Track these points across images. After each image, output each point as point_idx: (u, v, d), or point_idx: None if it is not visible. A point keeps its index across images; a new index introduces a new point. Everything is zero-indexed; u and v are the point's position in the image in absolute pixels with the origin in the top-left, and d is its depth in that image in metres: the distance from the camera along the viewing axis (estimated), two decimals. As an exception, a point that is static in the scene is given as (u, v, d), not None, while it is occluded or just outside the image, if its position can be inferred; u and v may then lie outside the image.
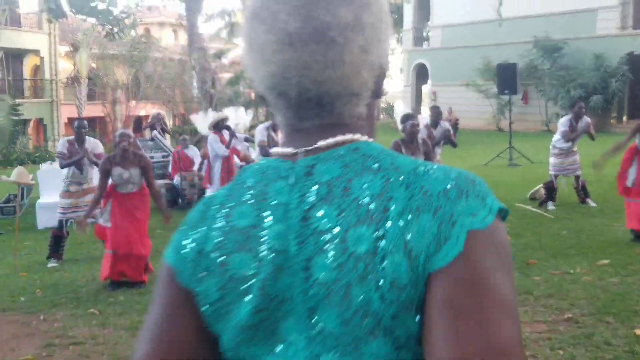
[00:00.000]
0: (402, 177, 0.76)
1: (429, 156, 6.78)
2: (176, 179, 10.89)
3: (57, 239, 7.20)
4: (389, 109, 38.50)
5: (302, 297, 0.77)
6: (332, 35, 0.78)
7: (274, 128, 7.41)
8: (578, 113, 8.71)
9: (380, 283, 0.72)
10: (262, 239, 0.80)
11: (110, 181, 5.90)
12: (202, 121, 10.11)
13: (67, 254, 7.49)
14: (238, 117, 9.69)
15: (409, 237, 0.72)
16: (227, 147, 8.41)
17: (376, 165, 0.78)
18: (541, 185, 9.40)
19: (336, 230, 0.75)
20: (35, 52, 29.23)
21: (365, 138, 0.84)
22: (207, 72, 14.19)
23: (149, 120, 13.99)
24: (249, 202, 0.83)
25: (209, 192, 8.83)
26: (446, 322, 0.68)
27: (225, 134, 8.67)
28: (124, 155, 5.72)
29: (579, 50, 22.68)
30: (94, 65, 29.59)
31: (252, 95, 36.94)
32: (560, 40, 22.98)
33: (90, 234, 7.89)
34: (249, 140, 9.93)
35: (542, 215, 8.35)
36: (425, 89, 32.72)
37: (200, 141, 12.75)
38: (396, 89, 57.13)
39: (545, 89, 23.31)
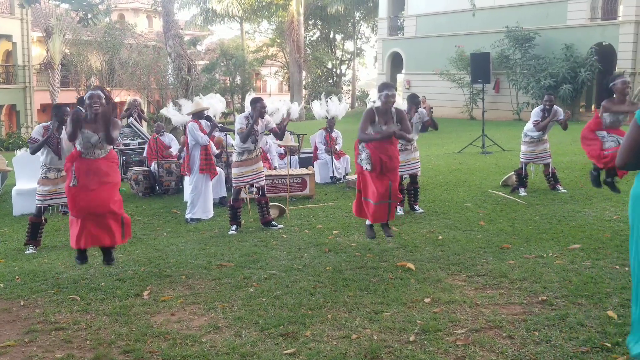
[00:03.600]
0: None
1: (404, 124, 6.35)
2: (153, 166, 10.85)
3: (35, 226, 7.14)
4: (364, 97, 38.67)
5: None
6: None
7: (254, 117, 7.41)
8: (547, 105, 8.92)
9: None
10: None
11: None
12: (174, 113, 10.14)
13: (44, 241, 7.45)
14: (213, 104, 9.71)
15: None
16: (208, 136, 8.54)
17: None
18: (513, 172, 9.62)
19: None
20: (7, 37, 28.61)
21: None
22: (183, 59, 14.10)
23: (125, 106, 13.86)
24: None
25: (187, 180, 8.84)
26: None
27: (204, 123, 8.72)
28: (95, 118, 5.31)
29: (549, 40, 23.04)
30: (67, 51, 29.09)
31: (227, 82, 36.76)
32: (532, 30, 23.31)
33: (67, 221, 7.86)
34: (225, 129, 9.99)
35: (515, 201, 8.55)
36: (400, 77, 32.89)
37: (175, 129, 12.71)
38: (371, 78, 57.39)
39: (516, 78, 23.63)
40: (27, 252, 7.06)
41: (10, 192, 10.03)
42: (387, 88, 6.20)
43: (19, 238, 7.79)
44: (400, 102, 9.06)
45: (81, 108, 6.80)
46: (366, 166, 6.11)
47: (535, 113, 9.03)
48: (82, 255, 5.52)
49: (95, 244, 5.38)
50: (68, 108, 7.08)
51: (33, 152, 7.01)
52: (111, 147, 5.48)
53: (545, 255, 5.75)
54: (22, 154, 10.57)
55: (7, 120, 29.41)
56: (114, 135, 5.34)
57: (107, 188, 5.29)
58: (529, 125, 9.15)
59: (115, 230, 5.30)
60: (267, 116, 7.69)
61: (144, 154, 11.78)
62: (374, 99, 9.31)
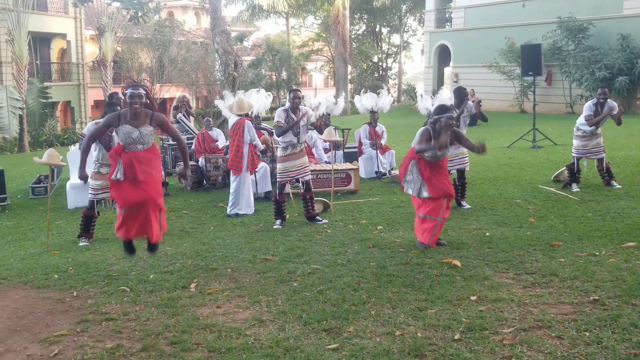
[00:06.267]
0: None
1: (463, 142, 6.38)
2: (201, 161, 11.02)
3: (88, 219, 7.37)
4: (410, 91, 38.31)
5: None
6: None
7: (292, 110, 7.44)
8: (600, 99, 8.64)
9: None
10: None
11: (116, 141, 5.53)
12: (224, 105, 10.31)
13: (97, 233, 7.69)
14: (259, 100, 9.81)
15: None
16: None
17: None
18: (565, 167, 9.35)
19: None
20: (62, 35, 29.59)
21: None
22: (229, 55, 14.26)
23: (174, 102, 14.13)
24: None
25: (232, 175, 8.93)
26: None
27: None
28: (135, 114, 5.26)
29: (604, 30, 22.28)
30: (119, 48, 29.82)
31: (274, 77, 36.99)
32: (585, 21, 22.59)
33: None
34: (261, 128, 10.16)
35: (567, 197, 8.32)
36: (447, 70, 32.43)
37: (223, 123, 12.88)
38: (417, 71, 56.83)
39: (569, 70, 22.95)
40: (81, 244, 7.29)
41: (65, 186, 10.36)
42: (448, 111, 6.16)
43: (73, 230, 8.05)
44: (448, 95, 8.94)
45: (117, 105, 6.95)
46: (408, 189, 6.21)
47: (588, 107, 8.75)
48: (129, 247, 5.43)
49: (138, 235, 5.28)
50: (119, 107, 7.26)
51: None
52: (152, 141, 5.40)
53: (597, 253, 5.57)
54: (76, 148, 10.90)
55: (63, 117, 30.42)
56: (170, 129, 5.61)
57: (152, 181, 5.22)
58: (581, 119, 8.87)
59: (155, 224, 5.22)
60: (306, 108, 7.70)
61: (192, 148, 11.98)
62: (423, 94, 9.19)
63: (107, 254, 6.64)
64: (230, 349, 3.83)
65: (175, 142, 11.02)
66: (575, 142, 8.99)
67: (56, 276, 5.67)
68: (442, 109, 6.22)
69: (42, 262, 6.38)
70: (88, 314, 4.57)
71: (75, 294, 5.11)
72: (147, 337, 4.08)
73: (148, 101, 5.31)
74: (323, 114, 11.23)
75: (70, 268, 5.95)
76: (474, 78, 27.42)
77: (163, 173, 7.35)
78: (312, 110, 8.95)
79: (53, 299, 4.98)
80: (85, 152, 5.76)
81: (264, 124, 11.07)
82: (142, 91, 5.25)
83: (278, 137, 7.44)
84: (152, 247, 5.48)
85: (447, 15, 31.29)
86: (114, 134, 6.98)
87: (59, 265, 6.10)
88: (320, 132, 8.41)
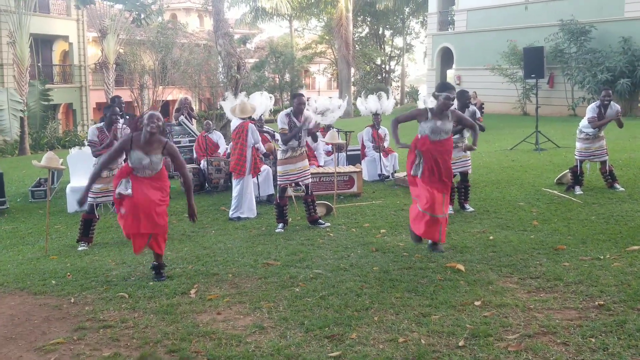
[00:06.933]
0: None
1: (464, 122, 6.35)
2: (202, 164, 10.97)
3: (87, 223, 7.31)
4: (413, 93, 38.25)
5: None
6: None
7: (295, 114, 7.39)
8: (604, 101, 8.59)
9: None
10: None
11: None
12: (227, 107, 10.25)
13: (96, 237, 7.62)
14: (262, 101, 9.75)
15: None
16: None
17: None
18: (568, 170, 9.29)
19: None
20: (64, 37, 29.61)
21: None
22: (232, 57, 14.22)
23: (176, 105, 14.10)
24: None
25: (235, 179, 8.88)
26: None
27: None
28: (149, 139, 5.33)
29: (606, 33, 22.18)
30: (121, 50, 29.81)
31: (277, 80, 36.91)
32: (587, 23, 22.51)
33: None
34: (263, 131, 10.08)
35: (570, 200, 8.25)
36: (450, 73, 32.36)
37: (225, 126, 12.82)
38: (420, 73, 56.78)
39: (571, 72, 22.87)
40: (80, 249, 7.23)
41: (65, 189, 10.31)
42: (447, 89, 6.04)
43: (72, 235, 7.99)
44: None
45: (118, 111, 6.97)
46: (417, 172, 6.06)
47: (591, 109, 8.69)
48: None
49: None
50: (117, 109, 7.29)
51: (97, 156, 7.21)
52: (161, 167, 5.56)
53: (602, 257, 5.50)
54: (76, 151, 10.84)
55: (64, 119, 30.42)
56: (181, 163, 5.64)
57: (157, 204, 5.43)
58: (584, 122, 8.82)
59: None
60: (308, 112, 7.66)
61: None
62: (425, 97, 9.14)
63: (106, 259, 6.57)
64: (231, 357, 3.76)
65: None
66: (578, 144, 8.93)
67: (54, 282, 5.60)
68: (443, 87, 6.11)
69: (40, 268, 6.31)
70: (85, 321, 4.49)
71: (72, 300, 5.04)
72: (146, 345, 4.01)
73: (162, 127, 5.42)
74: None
75: (69, 274, 5.88)
76: (476, 80, 27.35)
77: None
78: (317, 115, 8.90)
79: (50, 306, 4.90)
80: (94, 178, 6.07)
81: (266, 127, 11.00)
82: (160, 115, 5.38)
83: (284, 144, 7.40)
84: (157, 270, 5.61)
85: (449, 18, 31.22)
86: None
87: (57, 271, 6.04)
88: (314, 140, 8.37)
